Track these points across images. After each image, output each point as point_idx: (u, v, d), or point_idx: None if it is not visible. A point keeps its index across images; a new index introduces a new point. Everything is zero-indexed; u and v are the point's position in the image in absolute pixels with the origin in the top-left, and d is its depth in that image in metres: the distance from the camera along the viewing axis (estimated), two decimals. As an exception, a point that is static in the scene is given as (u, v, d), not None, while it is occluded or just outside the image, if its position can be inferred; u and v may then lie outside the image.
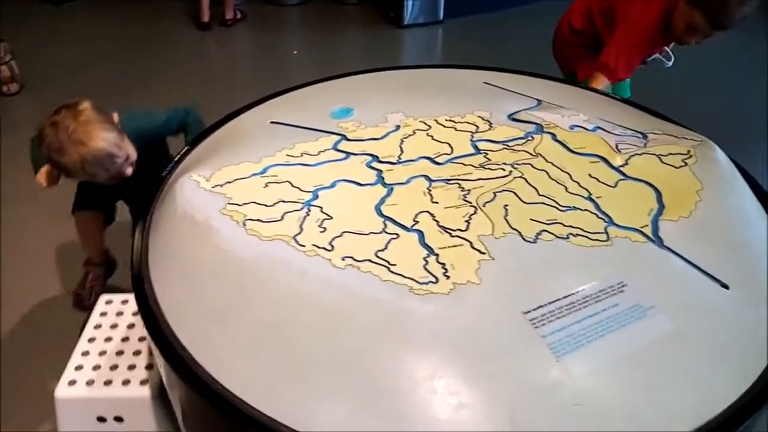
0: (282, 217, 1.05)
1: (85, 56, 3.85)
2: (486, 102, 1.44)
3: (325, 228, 1.03)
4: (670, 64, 2.16)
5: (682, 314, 0.92)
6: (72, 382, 1.24)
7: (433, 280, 0.92)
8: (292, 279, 0.93)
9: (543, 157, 1.21)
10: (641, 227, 1.05)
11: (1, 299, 1.97)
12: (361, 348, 0.85)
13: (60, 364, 1.31)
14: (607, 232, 1.03)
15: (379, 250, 0.98)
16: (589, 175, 1.17)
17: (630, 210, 1.08)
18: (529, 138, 1.27)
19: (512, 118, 1.36)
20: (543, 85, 1.60)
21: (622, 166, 1.19)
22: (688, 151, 1.21)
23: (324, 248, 0.98)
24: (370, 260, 0.96)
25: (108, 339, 1.35)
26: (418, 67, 1.78)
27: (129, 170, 1.37)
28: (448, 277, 0.93)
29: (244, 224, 1.04)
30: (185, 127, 1.43)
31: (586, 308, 0.90)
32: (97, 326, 1.38)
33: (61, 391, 1.23)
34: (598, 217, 1.07)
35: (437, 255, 0.97)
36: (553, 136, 1.28)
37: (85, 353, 1.31)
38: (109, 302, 1.47)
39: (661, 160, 1.19)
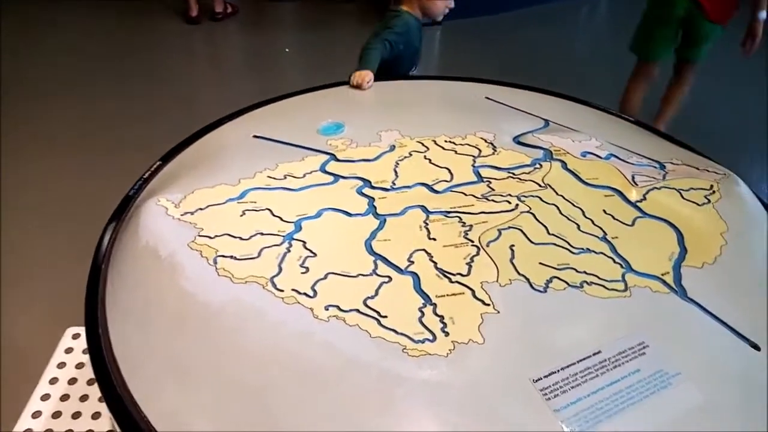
0: (259, 254, 0.93)
1: (70, 52, 3.68)
2: (489, 121, 1.32)
3: (307, 268, 0.91)
4: None
5: (711, 382, 0.81)
6: (27, 432, 1.09)
7: (430, 337, 0.80)
8: (266, 332, 0.81)
9: (553, 189, 1.09)
10: (662, 274, 0.93)
11: None
12: (344, 420, 0.73)
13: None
14: (625, 280, 0.92)
15: (369, 297, 0.86)
16: (604, 211, 1.05)
17: (649, 253, 0.97)
18: (537, 166, 1.16)
19: (518, 141, 1.24)
20: (549, 102, 1.48)
21: (639, 201, 1.07)
22: (711, 186, 1.10)
23: (305, 294, 0.86)
24: (358, 310, 0.84)
25: (72, 381, 1.18)
26: (414, 78, 1.66)
27: None
28: (447, 333, 0.81)
29: (215, 262, 0.91)
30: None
31: (604, 375, 0.79)
32: (61, 365, 1.22)
33: (15, 441, 1.09)
34: (614, 261, 0.95)
35: (435, 305, 0.85)
36: (563, 164, 1.16)
37: (45, 397, 1.15)
38: (76, 336, 1.29)
39: (682, 196, 1.08)
